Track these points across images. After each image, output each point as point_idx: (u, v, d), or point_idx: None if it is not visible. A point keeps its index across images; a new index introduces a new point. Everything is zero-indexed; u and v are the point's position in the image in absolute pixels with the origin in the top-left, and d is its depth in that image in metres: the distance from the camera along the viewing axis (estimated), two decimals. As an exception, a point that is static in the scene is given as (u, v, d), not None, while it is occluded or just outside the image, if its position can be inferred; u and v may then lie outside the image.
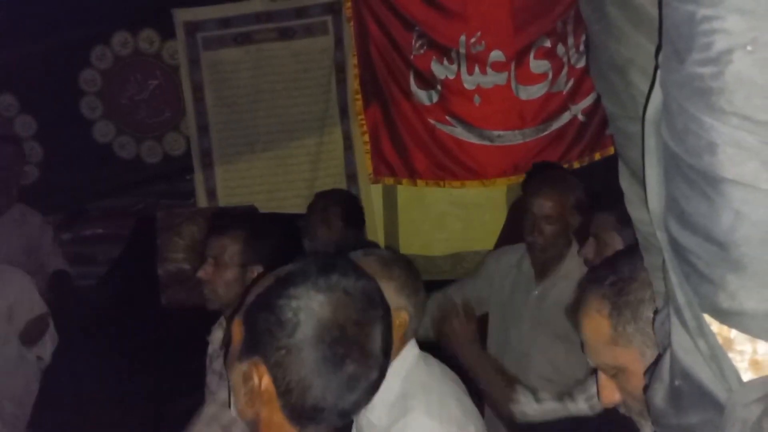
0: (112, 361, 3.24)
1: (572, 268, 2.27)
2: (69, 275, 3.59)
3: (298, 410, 0.89)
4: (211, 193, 3.71)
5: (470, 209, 3.62)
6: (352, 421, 0.99)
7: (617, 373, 1.06)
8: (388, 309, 0.95)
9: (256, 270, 1.92)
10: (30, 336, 2.64)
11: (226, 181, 3.70)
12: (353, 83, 3.59)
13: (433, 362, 1.52)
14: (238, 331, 0.94)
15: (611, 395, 1.08)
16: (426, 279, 3.31)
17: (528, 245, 2.35)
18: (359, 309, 0.90)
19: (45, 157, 3.77)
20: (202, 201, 3.72)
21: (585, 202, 2.31)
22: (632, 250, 1.08)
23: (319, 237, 2.77)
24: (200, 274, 1.91)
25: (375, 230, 3.62)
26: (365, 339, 0.90)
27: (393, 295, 1.41)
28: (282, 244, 2.74)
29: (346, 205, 2.90)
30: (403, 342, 1.47)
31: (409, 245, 3.60)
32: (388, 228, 3.67)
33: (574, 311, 1.13)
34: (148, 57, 3.74)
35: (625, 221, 1.72)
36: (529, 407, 1.82)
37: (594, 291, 1.09)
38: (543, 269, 2.36)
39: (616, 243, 1.81)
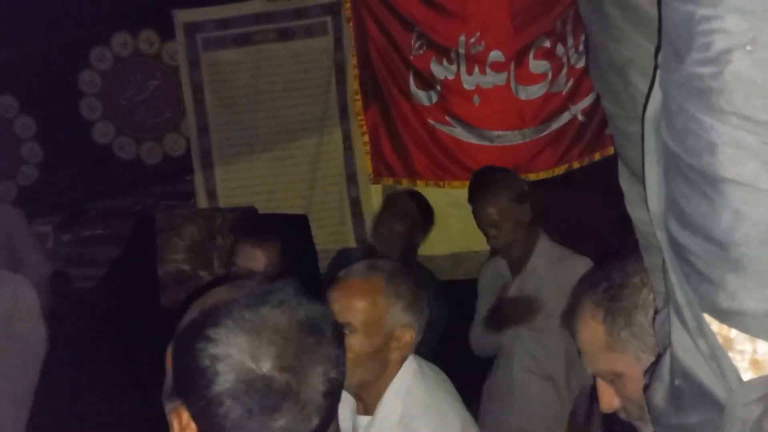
0: (112, 362, 3.24)
1: (541, 261, 2.36)
2: (69, 276, 3.59)
3: None
4: (211, 194, 3.71)
5: (470, 210, 3.62)
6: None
7: (615, 379, 1.07)
8: (336, 337, 0.83)
9: None
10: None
11: (225, 181, 3.70)
12: (353, 84, 3.60)
13: (429, 373, 1.50)
14: (169, 363, 0.84)
15: (610, 401, 1.08)
16: (425, 279, 3.33)
17: (491, 246, 2.41)
18: (293, 351, 0.77)
19: (45, 157, 3.78)
20: (202, 201, 3.72)
21: (526, 192, 2.35)
22: (625, 256, 1.08)
23: (397, 230, 2.76)
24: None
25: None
26: (300, 386, 0.77)
27: (400, 313, 1.41)
28: (311, 252, 2.74)
29: (422, 203, 2.89)
30: (404, 359, 1.45)
31: (409, 245, 3.59)
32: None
33: (568, 318, 1.13)
34: (147, 58, 3.74)
35: None
36: None
37: (588, 298, 1.09)
38: (516, 265, 2.43)
39: None
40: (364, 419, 1.43)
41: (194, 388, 0.78)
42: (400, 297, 1.42)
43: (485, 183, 2.46)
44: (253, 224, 2.28)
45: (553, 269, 2.29)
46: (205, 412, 0.77)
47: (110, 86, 3.77)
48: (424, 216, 2.86)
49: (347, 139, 3.63)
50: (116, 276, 3.71)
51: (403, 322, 1.42)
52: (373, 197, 3.65)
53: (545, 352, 2.30)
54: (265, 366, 0.76)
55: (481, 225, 2.41)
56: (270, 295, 0.81)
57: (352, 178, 3.64)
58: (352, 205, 3.65)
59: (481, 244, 3.52)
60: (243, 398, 0.76)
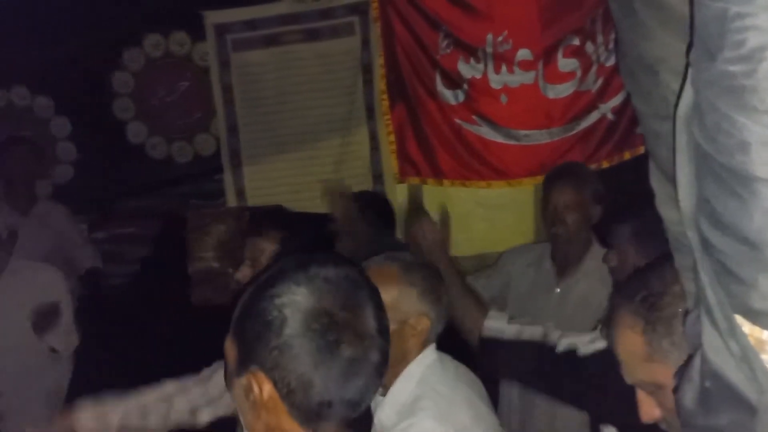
0: (142, 359, 3.29)
1: (593, 266, 2.28)
2: (102, 273, 3.66)
3: (305, 410, 0.86)
4: (240, 193, 3.75)
5: (495, 210, 3.61)
6: (371, 420, 0.97)
7: (655, 390, 1.05)
8: (375, 290, 0.93)
9: None
10: (39, 323, 2.65)
11: (253, 181, 3.74)
12: (379, 83, 3.60)
13: (450, 366, 1.52)
14: (230, 349, 0.92)
15: (651, 412, 1.07)
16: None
17: (552, 238, 2.36)
18: (344, 294, 0.87)
19: (79, 157, 3.85)
20: (232, 201, 3.76)
21: (604, 195, 2.31)
22: (661, 263, 1.06)
23: (349, 239, 2.78)
24: (238, 276, 1.93)
25: (400, 230, 3.63)
26: (356, 321, 0.87)
27: (415, 300, 1.44)
28: (316, 245, 2.76)
29: (376, 207, 2.91)
30: (423, 347, 1.47)
31: (434, 245, 3.59)
32: (414, 228, 3.66)
33: (606, 327, 1.12)
34: (178, 59, 3.80)
35: (641, 234, 1.71)
36: (499, 323, 1.70)
37: (626, 308, 1.07)
38: (564, 266, 2.36)
39: (630, 256, 1.78)
40: (378, 399, 1.47)
41: (265, 342, 0.85)
42: (415, 285, 1.44)
43: (573, 170, 2.41)
44: (257, 218, 2.37)
45: (602, 279, 2.23)
46: (278, 361, 0.85)
47: (142, 87, 3.83)
48: (375, 222, 2.87)
49: (373, 138, 3.64)
50: (147, 274, 3.77)
51: (418, 310, 1.44)
52: (399, 197, 3.66)
53: None
54: (326, 304, 0.86)
55: (548, 212, 2.31)
56: (313, 258, 0.91)
57: (378, 178, 3.65)
58: (378, 204, 3.65)
59: (505, 244, 3.50)
60: (310, 335, 0.84)
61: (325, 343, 0.85)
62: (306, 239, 2.03)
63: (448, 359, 1.53)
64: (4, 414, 2.45)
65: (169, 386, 1.84)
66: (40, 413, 2.66)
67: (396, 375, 1.45)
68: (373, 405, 1.49)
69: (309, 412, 0.86)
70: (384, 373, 0.91)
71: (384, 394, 1.46)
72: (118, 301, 3.71)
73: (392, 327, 1.39)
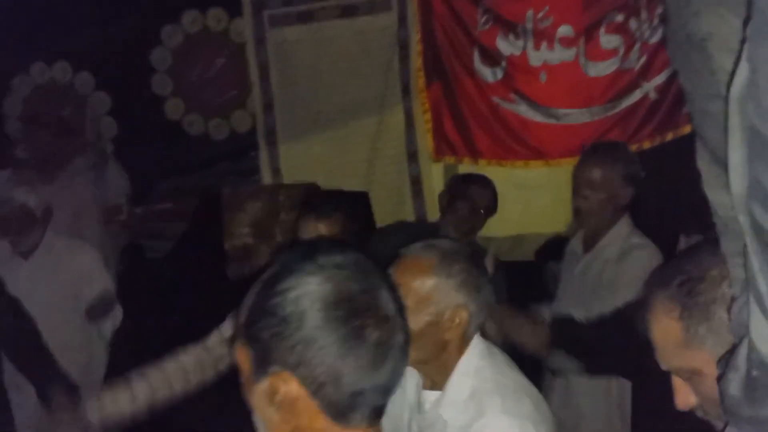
0: (178, 331, 3.35)
1: (612, 243, 2.24)
2: (141, 248, 3.73)
3: (337, 403, 0.82)
4: (276, 171, 3.77)
5: (532, 190, 3.55)
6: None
7: (691, 376, 1.03)
8: (386, 272, 0.90)
9: None
10: (96, 312, 2.72)
11: (288, 159, 3.75)
12: (416, 61, 3.56)
13: (498, 355, 1.48)
14: (243, 356, 0.86)
15: (686, 399, 1.05)
16: (484, 259, 3.29)
17: (573, 212, 2.31)
18: (359, 277, 0.84)
19: (119, 133, 3.92)
20: (267, 178, 3.78)
21: (637, 177, 2.25)
22: (697, 248, 1.04)
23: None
24: None
25: (436, 211, 3.61)
26: (377, 303, 0.83)
27: (452, 292, 1.39)
28: (370, 229, 2.77)
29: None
30: (465, 340, 1.43)
31: (469, 225, 3.56)
32: (449, 208, 3.64)
33: (640, 312, 1.10)
34: (216, 35, 3.81)
35: None
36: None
37: (662, 293, 1.04)
38: (588, 242, 2.32)
39: None
40: (431, 394, 1.44)
41: (286, 339, 0.81)
42: (452, 276, 1.39)
43: (607, 148, 2.36)
44: (317, 200, 2.30)
45: (623, 255, 2.20)
46: (303, 356, 0.80)
47: (180, 63, 3.86)
48: (492, 202, 2.83)
49: (409, 117, 3.60)
50: (184, 249, 3.84)
51: (457, 302, 1.39)
52: (434, 176, 3.63)
53: None
54: (343, 290, 0.82)
55: (576, 184, 2.26)
56: (316, 247, 0.87)
57: (413, 157, 3.62)
58: (412, 183, 3.63)
59: (542, 225, 3.46)
60: (333, 324, 0.80)
61: (350, 329, 0.80)
62: (365, 223, 2.00)
63: (493, 346, 1.49)
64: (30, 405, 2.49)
65: (184, 356, 1.88)
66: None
67: (446, 368, 1.41)
68: (418, 400, 1.47)
69: (341, 405, 0.82)
70: (408, 353, 0.86)
71: (433, 388, 1.43)
72: (156, 275, 3.78)
73: (428, 319, 1.37)
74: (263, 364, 0.83)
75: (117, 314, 2.87)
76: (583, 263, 2.30)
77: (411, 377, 1.49)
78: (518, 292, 2.69)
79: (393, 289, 0.87)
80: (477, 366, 1.41)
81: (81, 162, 3.51)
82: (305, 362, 0.80)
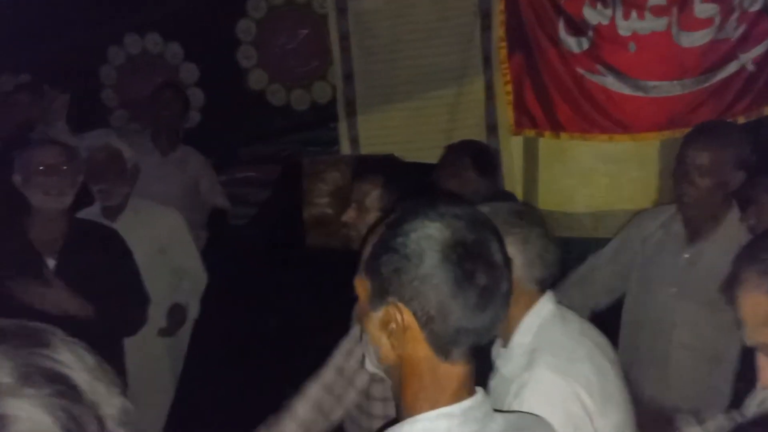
0: (260, 295, 3.48)
1: (731, 233, 2.08)
2: (226, 214, 3.88)
3: (442, 336, 0.91)
4: (354, 142, 3.81)
5: (617, 165, 3.42)
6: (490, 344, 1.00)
7: None
8: (495, 227, 0.96)
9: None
10: (170, 329, 2.80)
11: (367, 130, 3.78)
12: (498, 30, 3.48)
13: (574, 320, 1.46)
14: (362, 287, 0.96)
15: None
16: (566, 236, 3.22)
17: (678, 198, 2.18)
18: (473, 228, 0.92)
19: (206, 103, 4.05)
20: (345, 149, 3.83)
21: (750, 162, 2.09)
22: None
23: (452, 189, 2.76)
24: (345, 217, 2.00)
25: (514, 184, 3.55)
26: (487, 252, 0.91)
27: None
28: (418, 191, 2.76)
29: (477, 156, 2.86)
30: (526, 295, 1.42)
31: (548, 201, 3.49)
32: (527, 182, 3.57)
33: (729, 288, 1.06)
34: (299, 6, 3.86)
35: None
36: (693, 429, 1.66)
37: (752, 267, 1.04)
38: (696, 230, 2.18)
39: None
40: (501, 350, 1.47)
41: (404, 274, 0.90)
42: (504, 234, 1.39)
43: (717, 130, 2.20)
44: (364, 165, 2.42)
45: (738, 246, 2.07)
46: (419, 291, 0.89)
47: (264, 34, 3.93)
48: (477, 169, 2.81)
49: (489, 88, 3.54)
50: (266, 216, 3.96)
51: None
52: (514, 149, 3.57)
53: (716, 331, 2.07)
54: (459, 237, 0.90)
55: (680, 170, 2.13)
56: (438, 200, 0.95)
57: (491, 129, 3.57)
58: (490, 156, 3.58)
59: (626, 201, 3.34)
60: (448, 266, 0.89)
61: (462, 272, 0.89)
62: (408, 184, 2.06)
63: (571, 314, 1.48)
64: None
65: (313, 390, 1.78)
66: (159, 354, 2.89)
67: (511, 326, 1.42)
68: (494, 354, 1.50)
69: (446, 339, 0.91)
70: (509, 304, 0.94)
71: (505, 346, 1.45)
72: (240, 241, 3.92)
73: None
74: (382, 294, 0.93)
75: (199, 275, 2.99)
76: (692, 253, 2.18)
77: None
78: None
79: (501, 242, 0.94)
80: (540, 325, 1.42)
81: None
82: (420, 296, 0.90)
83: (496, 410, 1.00)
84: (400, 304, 0.91)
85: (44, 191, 2.19)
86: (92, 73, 4.11)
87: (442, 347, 0.92)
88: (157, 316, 2.68)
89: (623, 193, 3.41)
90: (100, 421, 0.58)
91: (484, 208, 1.43)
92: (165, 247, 2.85)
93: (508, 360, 1.42)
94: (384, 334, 0.93)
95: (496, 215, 1.38)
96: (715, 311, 2.04)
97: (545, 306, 1.44)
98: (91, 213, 2.82)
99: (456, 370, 0.93)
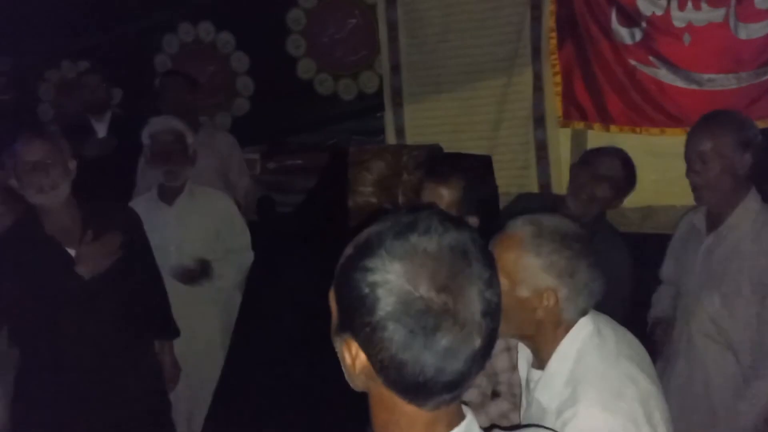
0: (305, 282, 3.53)
1: (743, 219, 2.08)
2: (273, 201, 3.95)
3: (400, 386, 0.81)
4: (400, 131, 3.82)
5: (668, 159, 3.32)
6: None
7: None
8: (488, 261, 0.83)
9: (472, 221, 1.91)
10: (185, 276, 2.84)
11: (413, 119, 3.78)
12: (548, 21, 3.43)
13: (610, 336, 1.38)
14: (332, 301, 0.87)
15: None
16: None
17: (691, 188, 2.16)
18: (446, 273, 0.79)
19: (256, 91, 4.12)
20: (391, 138, 3.85)
21: (753, 141, 2.05)
22: None
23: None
24: None
25: (561, 178, 3.51)
26: (457, 306, 0.78)
27: (538, 273, 1.32)
28: (494, 193, 2.74)
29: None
30: (565, 322, 1.35)
31: (595, 195, 3.43)
32: (575, 175, 3.52)
33: None
34: (349, -5, 3.88)
35: None
36: None
37: None
38: (714, 218, 2.17)
39: None
40: (536, 373, 1.40)
41: (358, 316, 0.80)
42: (540, 256, 1.32)
43: (716, 116, 2.20)
44: (439, 163, 2.29)
45: (755, 232, 2.05)
46: (371, 338, 0.80)
47: (314, 24, 3.97)
48: (628, 179, 2.60)
49: (538, 79, 3.49)
50: (312, 204, 4.01)
51: (546, 284, 1.32)
52: (561, 142, 3.52)
53: (731, 320, 2.07)
54: (422, 288, 0.78)
55: (688, 157, 2.15)
56: (416, 223, 0.82)
57: (539, 121, 3.52)
58: (537, 148, 3.54)
59: (676, 197, 3.26)
60: (404, 319, 0.78)
61: (421, 329, 0.78)
62: (488, 188, 1.98)
63: (606, 326, 1.39)
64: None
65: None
66: (204, 341, 2.97)
67: (549, 348, 1.36)
68: (527, 375, 1.45)
69: (406, 391, 0.82)
70: (489, 355, 0.83)
71: (539, 367, 1.40)
72: (286, 227, 3.99)
73: (516, 296, 1.33)
74: (342, 325, 0.85)
75: (247, 260, 3.06)
76: (708, 244, 2.16)
77: (522, 352, 1.48)
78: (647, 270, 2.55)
79: (490, 284, 0.82)
80: (579, 350, 1.34)
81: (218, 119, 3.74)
82: (372, 343, 0.80)
83: (495, 426, 0.94)
84: (355, 344, 0.82)
85: (37, 189, 2.13)
86: (148, 60, 4.22)
87: (404, 394, 0.82)
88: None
89: (671, 189, 3.32)
90: None
91: (546, 221, 1.37)
92: (219, 230, 2.95)
93: (546, 387, 1.35)
94: (346, 361, 0.85)
95: (551, 238, 1.33)
96: (729, 300, 2.05)
97: (584, 329, 1.36)
98: (148, 198, 2.92)
99: (431, 415, 0.83)
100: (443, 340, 0.78)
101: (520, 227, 1.38)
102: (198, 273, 2.86)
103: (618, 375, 1.30)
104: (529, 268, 1.34)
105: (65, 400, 2.18)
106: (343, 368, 0.88)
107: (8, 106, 4.44)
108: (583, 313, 1.38)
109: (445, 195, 1.92)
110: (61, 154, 2.18)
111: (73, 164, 2.21)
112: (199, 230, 2.88)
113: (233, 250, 3.00)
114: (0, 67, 4.43)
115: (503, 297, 1.33)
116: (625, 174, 2.57)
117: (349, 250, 0.85)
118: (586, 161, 2.60)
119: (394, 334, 0.78)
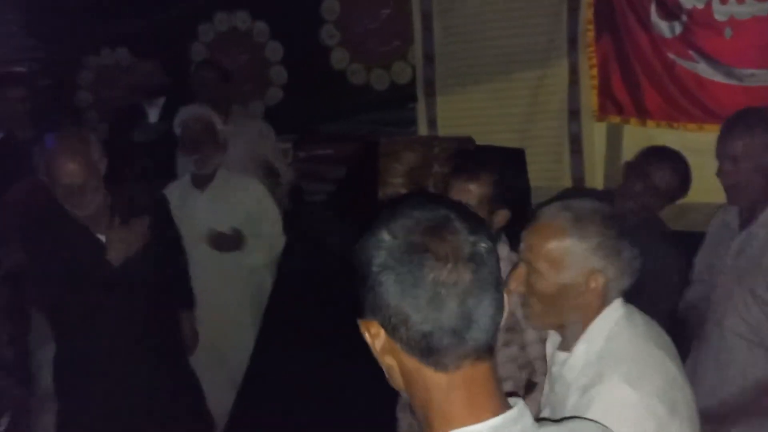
0: (335, 271, 3.55)
1: None
2: (302, 190, 3.97)
3: (414, 345, 0.83)
4: (432, 122, 3.80)
5: (705, 156, 3.24)
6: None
7: None
8: (473, 220, 0.87)
9: (502, 214, 1.94)
10: (221, 243, 2.88)
11: (445, 111, 3.76)
12: (586, 12, 3.38)
13: (639, 322, 1.39)
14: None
15: None
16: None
17: (723, 187, 2.14)
18: (427, 223, 0.84)
19: (288, 80, 4.14)
20: (423, 129, 3.84)
21: None
22: None
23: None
24: None
25: (595, 173, 3.46)
26: (441, 245, 0.82)
27: (586, 256, 1.32)
28: (526, 186, 2.70)
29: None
30: (603, 303, 1.36)
31: (630, 190, 3.38)
32: (609, 171, 3.46)
33: None
34: (383, -15, 3.87)
35: None
36: None
37: None
38: (746, 216, 2.15)
39: None
40: (562, 355, 1.40)
41: (362, 285, 0.85)
42: (586, 239, 1.32)
43: (747, 115, 2.18)
44: (468, 159, 2.26)
45: None
46: (375, 301, 0.83)
47: (347, 13, 3.97)
48: (682, 188, 2.52)
49: (573, 72, 3.45)
50: (342, 194, 4.02)
51: (592, 266, 1.32)
52: (596, 136, 3.47)
53: (763, 318, 2.03)
54: (402, 233, 0.83)
55: (719, 158, 2.14)
56: (408, 202, 0.88)
57: (574, 114, 3.48)
58: (571, 142, 3.50)
59: (711, 194, 3.18)
60: (391, 264, 0.82)
61: (407, 269, 0.81)
62: (520, 182, 1.98)
63: (637, 313, 1.40)
64: (203, 321, 2.78)
65: None
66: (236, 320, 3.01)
67: (579, 331, 1.36)
68: (554, 360, 1.45)
69: (419, 347, 0.83)
70: (484, 293, 0.83)
71: (565, 349, 1.39)
72: (317, 215, 4.01)
73: (562, 283, 1.33)
74: (359, 309, 0.87)
75: (276, 244, 3.09)
76: (740, 241, 2.13)
77: (551, 337, 1.48)
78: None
79: (475, 232, 0.84)
80: (610, 331, 1.34)
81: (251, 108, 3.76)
82: (378, 306, 0.83)
83: (544, 419, 0.93)
84: (373, 324, 0.85)
85: (74, 206, 2.19)
86: (184, 49, 4.27)
87: (424, 356, 0.83)
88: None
89: (708, 185, 3.23)
90: None
91: (581, 205, 1.37)
92: (252, 216, 2.99)
93: (573, 365, 1.35)
94: (375, 350, 0.87)
95: (592, 220, 1.33)
96: (761, 300, 2.02)
97: (616, 311, 1.36)
98: (182, 183, 2.97)
99: (459, 379, 0.84)
100: (430, 275, 0.81)
101: (556, 214, 1.37)
102: (231, 241, 2.90)
103: (645, 358, 1.32)
104: (577, 252, 1.33)
105: (101, 386, 2.24)
106: (374, 354, 0.89)
107: (45, 93, 4.53)
108: (623, 294, 1.38)
109: (473, 190, 1.93)
110: (95, 167, 2.19)
111: (103, 163, 2.23)
112: (230, 215, 2.91)
113: (265, 234, 3.04)
114: (36, 55, 4.52)
115: (546, 287, 1.34)
116: (680, 184, 2.52)
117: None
118: (642, 168, 2.50)
119: (387, 282, 0.82)
